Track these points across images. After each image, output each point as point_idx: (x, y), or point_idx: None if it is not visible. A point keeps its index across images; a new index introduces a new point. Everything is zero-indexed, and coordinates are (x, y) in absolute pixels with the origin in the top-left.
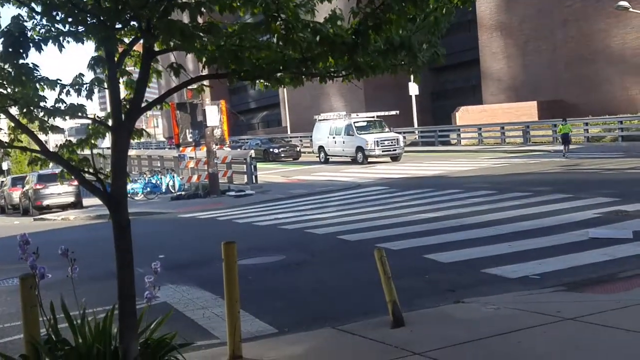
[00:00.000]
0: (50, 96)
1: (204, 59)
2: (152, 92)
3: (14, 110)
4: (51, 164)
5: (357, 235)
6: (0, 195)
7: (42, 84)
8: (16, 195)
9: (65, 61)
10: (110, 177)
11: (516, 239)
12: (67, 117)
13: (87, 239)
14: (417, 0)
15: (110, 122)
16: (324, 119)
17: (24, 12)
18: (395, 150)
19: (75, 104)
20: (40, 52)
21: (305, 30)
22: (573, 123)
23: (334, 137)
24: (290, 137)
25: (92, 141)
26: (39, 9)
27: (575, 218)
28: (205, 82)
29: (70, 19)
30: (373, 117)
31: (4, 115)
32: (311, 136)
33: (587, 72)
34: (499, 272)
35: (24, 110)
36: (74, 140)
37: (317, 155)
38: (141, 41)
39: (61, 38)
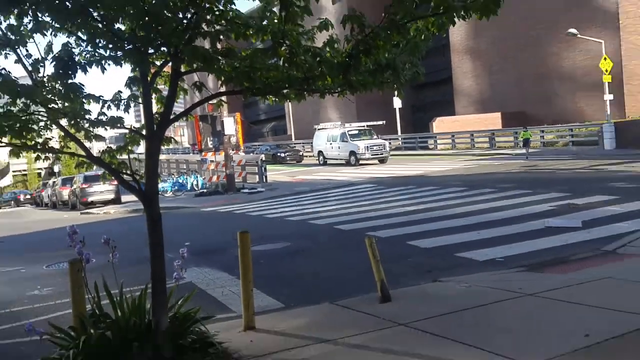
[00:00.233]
0: (94, 110)
1: (222, 78)
2: (178, 106)
3: (63, 122)
4: (95, 167)
5: (350, 225)
6: (52, 193)
7: (87, 99)
8: (65, 193)
9: (106, 80)
10: (144, 178)
11: (484, 228)
12: (108, 128)
13: (125, 230)
14: (400, 29)
15: (144, 132)
16: (322, 128)
17: (72, 40)
18: (382, 154)
19: (115, 116)
20: (85, 73)
21: (306, 54)
22: (532, 130)
23: (331, 143)
24: (295, 144)
25: (129, 147)
26: (84, 37)
27: (533, 210)
28: (223, 98)
29: (110, 46)
30: (364, 126)
31: (55, 125)
32: (312, 142)
33: (543, 88)
34: (470, 256)
35: (72, 122)
36: (114, 147)
37: (317, 158)
38: (170, 64)
39: (103, 61)
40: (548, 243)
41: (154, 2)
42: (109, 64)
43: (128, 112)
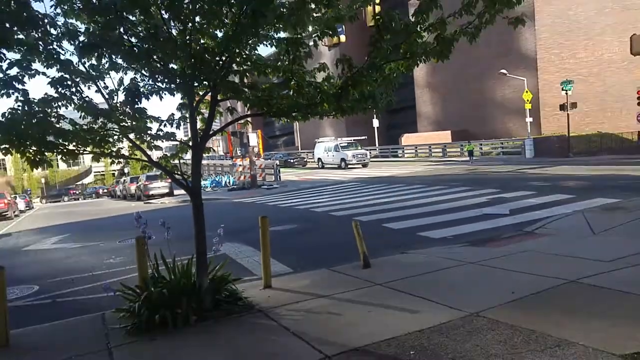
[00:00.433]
0: (154, 127)
1: (248, 104)
2: (216, 125)
3: (132, 136)
4: (154, 169)
5: (341, 212)
6: (123, 188)
7: (149, 119)
8: (133, 188)
9: (163, 105)
10: (191, 177)
11: (438, 215)
12: (164, 140)
13: (177, 215)
14: (379, 69)
15: (190, 143)
16: (321, 141)
17: (138, 76)
18: (364, 160)
19: (169, 132)
20: (147, 100)
21: (309, 87)
22: (474, 144)
23: (327, 152)
24: (301, 152)
25: (180, 155)
26: (147, 74)
27: (474, 202)
28: (249, 119)
29: (166, 80)
30: (351, 140)
31: (125, 138)
32: (313, 152)
33: (481, 112)
34: (428, 235)
35: (138, 136)
36: (168, 154)
37: (317, 163)
38: (209, 93)
39: (160, 92)
40: (484, 225)
41: (197, 48)
42: (165, 94)
43: (179, 129)
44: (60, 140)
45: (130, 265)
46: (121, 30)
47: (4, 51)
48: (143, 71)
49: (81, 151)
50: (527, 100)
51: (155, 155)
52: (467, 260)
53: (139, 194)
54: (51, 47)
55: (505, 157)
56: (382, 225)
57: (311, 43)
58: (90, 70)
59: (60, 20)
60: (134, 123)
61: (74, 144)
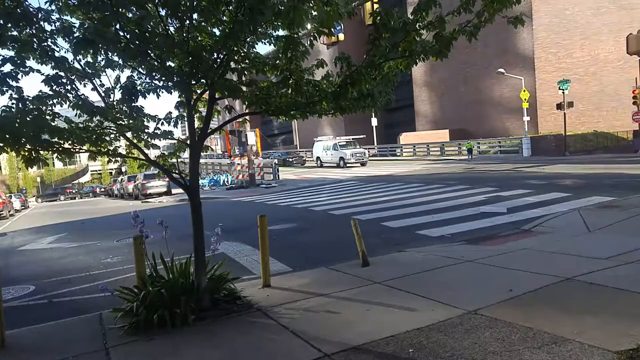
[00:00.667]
0: (151, 125)
1: (246, 103)
2: (214, 123)
3: (129, 134)
4: (152, 167)
5: (340, 211)
6: (121, 187)
7: (146, 118)
8: (130, 187)
9: (160, 103)
10: (189, 175)
11: (436, 213)
12: (161, 139)
13: (175, 214)
14: (377, 67)
15: (188, 142)
16: (319, 140)
17: (135, 74)
18: (363, 159)
19: (167, 130)
20: (144, 98)
21: (308, 85)
22: (473, 142)
23: (326, 151)
24: (299, 151)
25: (177, 153)
26: (144, 72)
27: (472, 200)
28: (247, 117)
29: (163, 78)
30: (350, 139)
31: (122, 137)
32: (312, 150)
33: (479, 111)
34: (426, 233)
35: (135, 134)
36: (166, 153)
37: (315, 162)
38: (207, 92)
39: (158, 90)
40: (482, 224)
41: (195, 46)
42: (162, 92)
43: (177, 127)
44: (56, 139)
45: (128, 264)
46: (117, 26)
47: None
48: (140, 69)
49: (77, 150)
50: (525, 99)
51: (152, 153)
52: (465, 258)
53: (136, 192)
54: (45, 43)
55: (503, 156)
56: (381, 224)
57: (310, 39)
58: (86, 68)
59: (55, 16)
60: (130, 121)
61: (70, 142)
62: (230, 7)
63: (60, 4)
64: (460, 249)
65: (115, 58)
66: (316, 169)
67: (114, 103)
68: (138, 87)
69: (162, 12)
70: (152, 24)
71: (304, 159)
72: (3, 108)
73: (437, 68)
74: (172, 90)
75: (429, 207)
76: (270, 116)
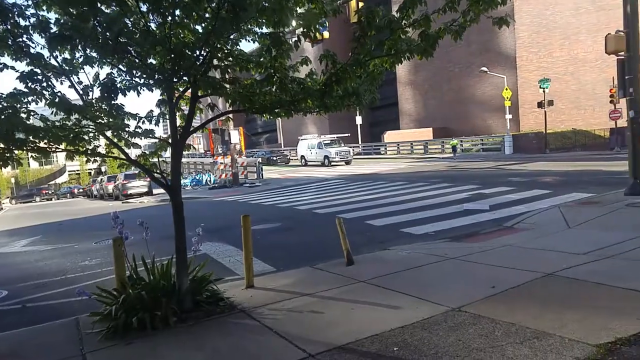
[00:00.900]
0: (132, 124)
1: (229, 101)
2: (197, 122)
3: (108, 133)
4: (133, 167)
5: (324, 210)
6: (100, 187)
7: (127, 116)
8: (110, 187)
9: (141, 101)
10: (170, 175)
11: (420, 211)
12: (142, 138)
13: (156, 214)
14: (362, 65)
15: (170, 141)
16: (304, 138)
17: (114, 71)
18: (347, 157)
19: (148, 129)
20: (125, 96)
21: (293, 83)
22: (457, 140)
23: (310, 150)
24: (283, 150)
25: (159, 153)
26: (124, 69)
27: (455, 197)
28: (230, 115)
29: (144, 76)
30: (334, 137)
31: (102, 136)
32: (296, 149)
33: (462, 110)
34: (410, 231)
35: (115, 133)
36: (147, 152)
37: (300, 161)
38: (190, 90)
39: (139, 87)
40: (465, 221)
41: (177, 43)
42: (143, 90)
43: (158, 126)
44: (31, 138)
45: (107, 267)
46: (95, 22)
47: None
48: (120, 66)
49: (53, 149)
50: (507, 98)
51: (133, 153)
52: (448, 255)
53: (116, 193)
54: (21, 39)
55: (485, 154)
56: (365, 222)
57: (294, 39)
58: (63, 65)
59: (31, 11)
60: (110, 120)
61: (46, 141)
62: (213, 4)
63: None
64: (443, 247)
65: (94, 54)
66: (301, 167)
67: (93, 101)
68: (118, 85)
69: (144, 8)
70: (132, 19)
71: (288, 157)
72: None
73: (421, 67)
74: (154, 88)
75: (413, 205)
76: (254, 114)
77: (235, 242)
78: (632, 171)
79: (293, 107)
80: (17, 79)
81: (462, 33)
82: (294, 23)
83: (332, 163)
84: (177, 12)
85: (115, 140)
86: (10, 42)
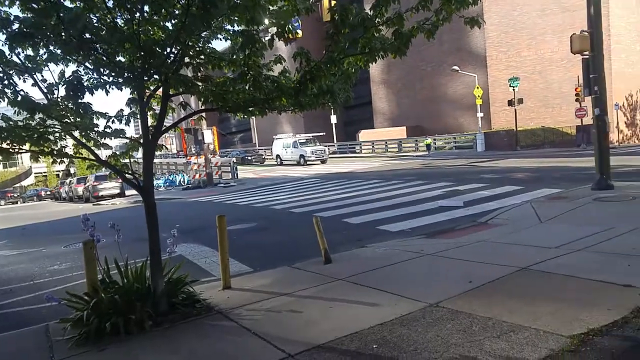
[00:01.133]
0: (101, 123)
1: (202, 99)
2: (168, 121)
3: (76, 133)
4: (103, 168)
5: (301, 209)
6: (69, 189)
7: (95, 115)
8: (80, 189)
9: (110, 99)
10: (142, 176)
11: (396, 208)
12: (112, 138)
13: (128, 216)
14: (337, 63)
15: (141, 141)
16: (279, 137)
17: (81, 69)
18: (323, 156)
19: (118, 129)
20: (92, 94)
21: (267, 80)
22: (430, 139)
23: (286, 149)
24: (258, 149)
25: (130, 153)
26: (91, 66)
27: (429, 195)
28: (203, 114)
29: (113, 74)
30: (310, 136)
31: (69, 136)
32: (272, 148)
33: (434, 108)
34: (386, 228)
35: (83, 133)
36: (118, 152)
37: (275, 160)
38: (161, 88)
39: (107, 86)
40: (440, 217)
41: (146, 40)
42: (112, 88)
43: (129, 125)
44: None
45: (78, 271)
46: (57, 18)
47: None
48: (87, 64)
49: (16, 150)
50: (478, 96)
51: (104, 153)
52: (424, 252)
53: (87, 195)
54: None
55: (458, 151)
56: (342, 221)
57: (267, 37)
58: (26, 62)
59: None
60: (77, 119)
61: (8, 142)
62: (183, 0)
63: None
64: (420, 243)
65: (59, 51)
66: (276, 167)
67: (59, 100)
68: (85, 83)
69: (110, 4)
70: (98, 15)
71: (263, 157)
72: None
73: (394, 66)
74: (123, 87)
75: (388, 202)
76: (228, 113)
77: (211, 243)
78: (598, 167)
79: (267, 105)
80: None
81: (435, 32)
82: (266, 21)
83: (308, 162)
84: (146, 8)
85: (84, 140)
86: None
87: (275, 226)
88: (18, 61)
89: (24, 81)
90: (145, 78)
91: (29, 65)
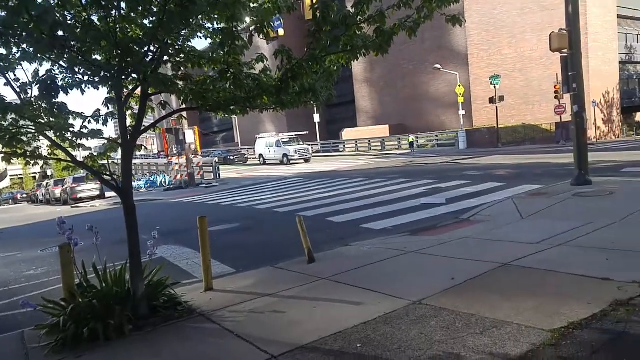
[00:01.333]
0: (77, 124)
1: (182, 98)
2: (148, 120)
3: (50, 134)
4: (81, 170)
5: (284, 208)
6: (46, 192)
7: (71, 115)
8: (58, 191)
9: (86, 99)
10: (121, 177)
11: (379, 206)
12: (89, 138)
13: (108, 218)
14: (318, 61)
15: (120, 141)
16: (262, 137)
17: (55, 68)
18: (306, 155)
19: (95, 129)
20: (67, 94)
21: (248, 79)
22: (413, 137)
23: (268, 148)
24: (241, 149)
25: (108, 154)
26: (65, 65)
27: (412, 192)
28: (184, 113)
29: (89, 73)
30: (293, 135)
31: (43, 137)
32: (254, 147)
33: (416, 106)
34: (370, 226)
35: (58, 134)
36: (95, 153)
37: (258, 159)
38: (140, 87)
39: (83, 85)
40: (423, 215)
41: (123, 38)
42: (88, 87)
43: (106, 126)
44: None
45: (55, 275)
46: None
47: None
48: (61, 62)
49: None
50: (460, 94)
51: (82, 154)
52: (408, 249)
53: (65, 197)
54: None
55: (440, 149)
56: (326, 219)
57: (248, 34)
58: None
59: None
60: (52, 119)
61: None
62: None
63: None
64: (403, 241)
65: (32, 50)
66: (259, 166)
67: (32, 99)
68: (59, 82)
69: (84, 1)
70: (73, 12)
71: (246, 156)
72: None
73: (376, 64)
74: (100, 86)
75: (372, 200)
76: (209, 112)
77: (193, 244)
78: (577, 163)
79: (248, 104)
80: None
81: (417, 30)
82: (247, 19)
83: (291, 161)
84: (122, 5)
85: (59, 141)
86: None
87: (258, 226)
88: None
89: None
90: (123, 77)
91: (1, 64)
